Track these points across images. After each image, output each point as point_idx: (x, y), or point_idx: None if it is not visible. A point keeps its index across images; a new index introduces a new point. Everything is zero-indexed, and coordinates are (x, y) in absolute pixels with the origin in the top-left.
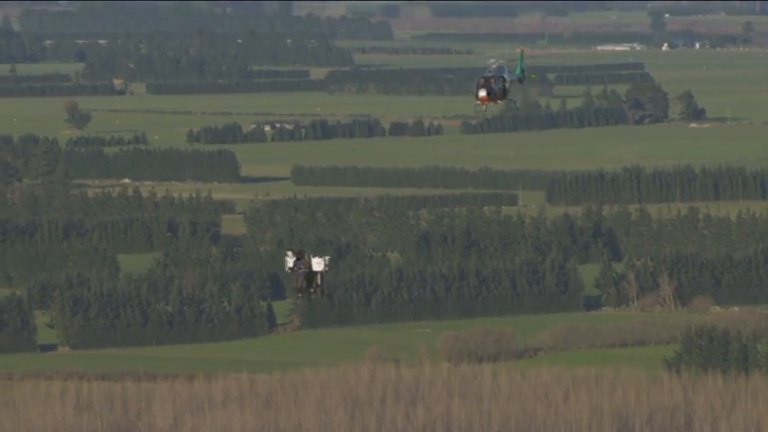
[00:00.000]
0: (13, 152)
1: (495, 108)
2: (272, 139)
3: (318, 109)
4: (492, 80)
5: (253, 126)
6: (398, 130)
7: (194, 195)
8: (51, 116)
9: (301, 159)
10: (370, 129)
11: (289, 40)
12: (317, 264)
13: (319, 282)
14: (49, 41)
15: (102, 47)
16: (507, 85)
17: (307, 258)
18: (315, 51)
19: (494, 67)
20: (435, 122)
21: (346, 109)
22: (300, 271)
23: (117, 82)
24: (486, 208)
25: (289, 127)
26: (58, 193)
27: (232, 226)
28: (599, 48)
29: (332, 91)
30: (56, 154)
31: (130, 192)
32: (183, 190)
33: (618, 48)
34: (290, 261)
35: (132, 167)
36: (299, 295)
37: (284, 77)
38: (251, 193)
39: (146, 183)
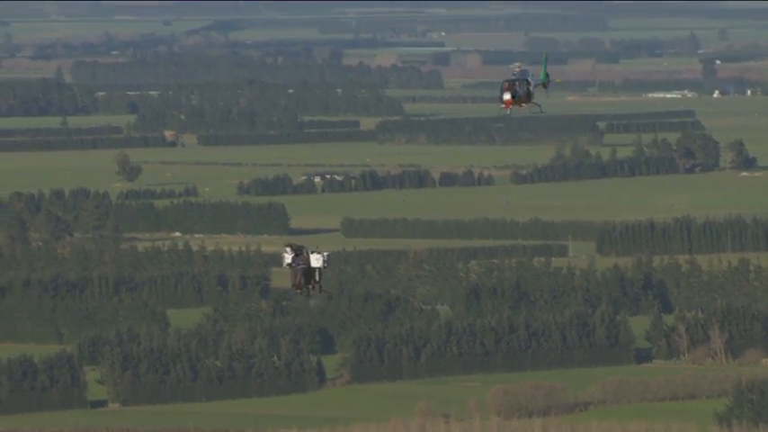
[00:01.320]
0: (64, 206)
1: (545, 158)
2: (323, 191)
3: (369, 159)
4: (516, 83)
5: (303, 177)
6: (449, 180)
7: (244, 248)
8: (102, 169)
9: (351, 211)
10: (420, 179)
11: (339, 90)
12: (316, 260)
13: (317, 278)
14: (100, 93)
15: (154, 98)
16: (532, 89)
17: (305, 254)
18: (365, 101)
19: (517, 70)
20: (485, 172)
21: (397, 159)
22: (299, 267)
23: (168, 134)
24: (535, 259)
25: (339, 178)
26: (109, 247)
27: (282, 279)
28: (650, 95)
29: (382, 141)
30: (106, 208)
31: (180, 245)
32: (233, 243)
33: (669, 95)
34: (289, 257)
35: (182, 220)
36: (298, 292)
37: (335, 128)
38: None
39: (196, 235)
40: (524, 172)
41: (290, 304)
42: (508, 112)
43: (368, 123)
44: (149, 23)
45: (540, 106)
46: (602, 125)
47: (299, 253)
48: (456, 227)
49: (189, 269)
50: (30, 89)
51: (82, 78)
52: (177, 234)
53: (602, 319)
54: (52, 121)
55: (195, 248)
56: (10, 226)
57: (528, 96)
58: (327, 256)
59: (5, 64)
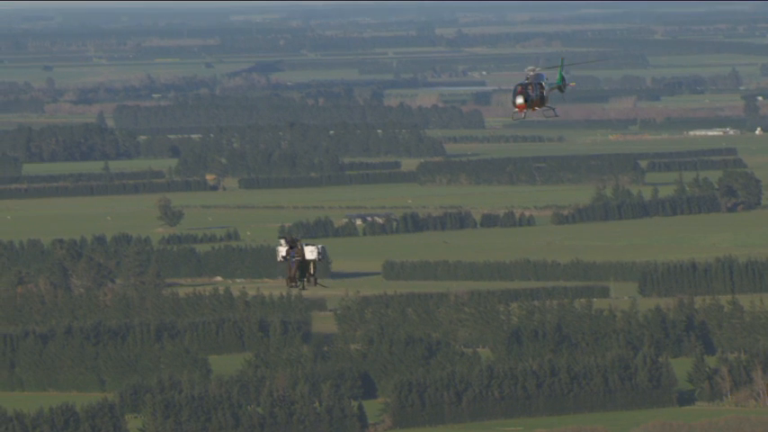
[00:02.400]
0: (106, 252)
1: (586, 197)
2: (364, 233)
3: (410, 201)
4: (530, 87)
5: (344, 220)
6: (490, 221)
7: (285, 293)
8: (144, 214)
9: (392, 253)
10: (461, 221)
11: (380, 131)
12: (311, 252)
13: (312, 271)
14: (142, 137)
15: (195, 141)
16: (545, 93)
17: (300, 247)
18: (406, 141)
19: (531, 74)
20: (527, 213)
21: (438, 200)
22: (294, 260)
23: (209, 177)
24: (577, 301)
25: (380, 220)
26: (150, 293)
27: (323, 323)
28: (691, 133)
29: (423, 182)
30: (148, 253)
31: (221, 291)
32: (273, 287)
33: (710, 133)
34: (283, 250)
35: (224, 265)
36: (292, 285)
37: (376, 169)
38: (342, 290)
39: (237, 280)
40: (565, 212)
41: (332, 349)
42: (522, 116)
43: (409, 164)
44: (191, 66)
45: (554, 110)
46: (643, 164)
47: (294, 246)
48: (497, 269)
49: (230, 315)
50: (72, 134)
51: (124, 122)
52: (219, 279)
53: (644, 361)
54: (94, 166)
55: (236, 294)
56: (52, 273)
57: (541, 100)
58: (322, 248)
59: (48, 108)
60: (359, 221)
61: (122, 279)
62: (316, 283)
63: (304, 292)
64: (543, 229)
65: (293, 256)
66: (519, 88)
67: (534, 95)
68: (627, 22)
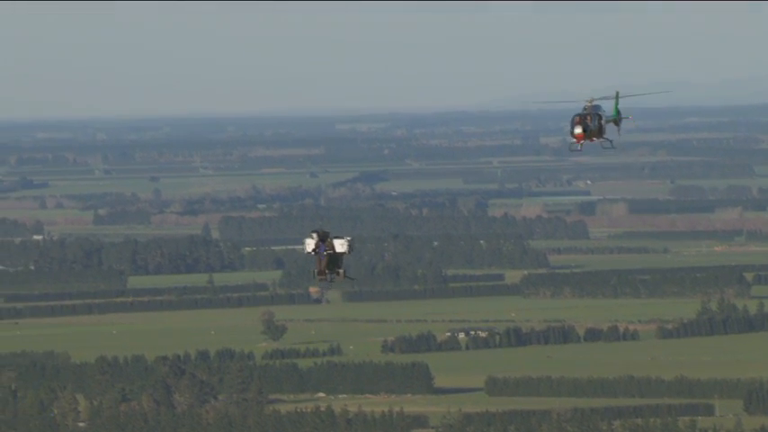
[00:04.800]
0: (209, 369)
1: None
2: (467, 348)
3: (513, 314)
4: (588, 117)
5: (447, 334)
6: (593, 335)
7: (387, 410)
8: (248, 328)
9: (495, 368)
10: (564, 335)
11: (483, 242)
12: (341, 245)
13: (340, 265)
14: (246, 249)
15: (299, 253)
16: (603, 123)
17: (330, 240)
18: (510, 253)
19: (589, 105)
20: (631, 327)
21: (541, 314)
22: (325, 253)
23: (313, 290)
24: (681, 420)
25: (483, 334)
26: (252, 411)
27: None
28: None
29: (527, 295)
30: (251, 369)
31: (323, 407)
32: (376, 403)
33: None
34: (312, 243)
35: (326, 381)
36: (320, 278)
37: (479, 281)
38: (444, 406)
39: (340, 396)
40: (670, 326)
41: None
42: (579, 148)
43: (513, 276)
44: (296, 176)
45: (611, 142)
46: (749, 276)
47: (324, 239)
48: (600, 385)
49: None
50: (177, 246)
51: (229, 233)
52: (321, 395)
53: None
54: (199, 279)
55: (338, 411)
56: (155, 390)
57: (600, 131)
58: (351, 240)
59: (155, 220)
60: (462, 335)
61: (225, 395)
62: (345, 276)
63: (407, 408)
64: (647, 343)
65: (323, 250)
66: (577, 118)
67: (593, 126)
68: (732, 132)
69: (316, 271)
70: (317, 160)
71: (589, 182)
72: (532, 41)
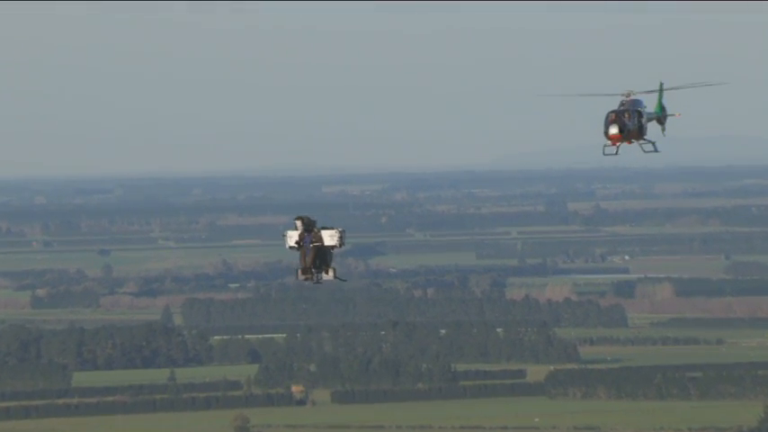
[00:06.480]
0: None
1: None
2: None
3: (537, 420)
4: (625, 114)
5: None
6: None
7: None
8: None
9: None
10: None
11: (501, 330)
12: (330, 237)
13: (329, 261)
14: (215, 338)
15: (279, 344)
16: (645, 121)
17: (316, 231)
18: (533, 344)
19: (627, 99)
20: None
21: (570, 419)
22: (311, 246)
23: (295, 389)
24: None
25: None
26: None
27: None
28: None
29: (553, 395)
30: None
31: None
32: None
33: None
34: (296, 235)
35: None
36: (305, 278)
37: (496, 379)
38: None
39: None
40: None
41: None
42: (615, 152)
43: (536, 373)
44: (274, 249)
45: (654, 144)
46: None
47: (310, 229)
48: None
49: None
50: (132, 335)
51: (194, 319)
52: None
53: None
54: (158, 375)
55: None
56: None
57: (639, 131)
58: (342, 231)
59: (105, 302)
60: None
61: None
62: (335, 277)
63: None
64: None
65: (309, 242)
66: (612, 116)
67: (631, 125)
68: None
69: (299, 268)
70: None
71: (627, 257)
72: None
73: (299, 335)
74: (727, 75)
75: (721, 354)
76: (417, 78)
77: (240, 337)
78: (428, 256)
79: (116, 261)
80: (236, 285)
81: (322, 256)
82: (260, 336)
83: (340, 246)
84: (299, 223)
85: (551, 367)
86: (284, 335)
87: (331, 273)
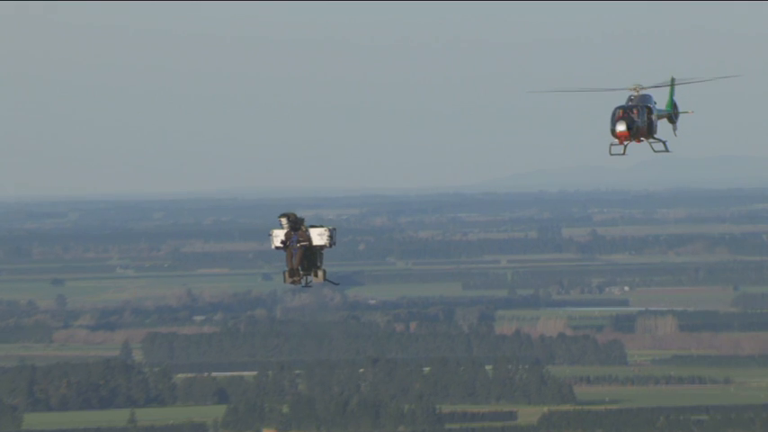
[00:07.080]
0: None
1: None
2: None
3: None
4: (634, 111)
5: None
6: None
7: None
8: None
9: None
10: None
11: (489, 367)
12: (319, 236)
13: (319, 262)
14: (179, 376)
15: (249, 382)
16: (655, 118)
17: (304, 230)
18: (524, 383)
19: (636, 94)
20: None
21: None
22: (298, 245)
23: None
24: None
25: None
26: None
27: None
28: None
29: None
30: None
31: None
32: None
33: None
34: (282, 234)
35: None
36: (292, 281)
37: (483, 421)
38: None
39: None
40: None
41: None
42: (622, 152)
43: (528, 415)
44: (244, 278)
45: (664, 143)
46: None
47: (297, 228)
48: None
49: None
50: (88, 373)
51: (156, 356)
52: None
53: None
54: (117, 417)
55: None
56: None
57: (649, 129)
58: (333, 230)
59: (57, 337)
60: None
61: None
62: (325, 278)
63: None
64: None
65: (295, 242)
66: (620, 112)
67: (640, 122)
68: None
69: (286, 271)
70: (270, 258)
71: (627, 288)
72: (548, 108)
73: (270, 373)
74: (735, 92)
75: (729, 394)
76: (399, 95)
77: (206, 374)
78: (411, 287)
79: (71, 292)
80: (202, 318)
81: (310, 257)
82: (228, 374)
83: (330, 245)
84: (284, 221)
85: (545, 409)
86: (254, 373)
87: (321, 275)
